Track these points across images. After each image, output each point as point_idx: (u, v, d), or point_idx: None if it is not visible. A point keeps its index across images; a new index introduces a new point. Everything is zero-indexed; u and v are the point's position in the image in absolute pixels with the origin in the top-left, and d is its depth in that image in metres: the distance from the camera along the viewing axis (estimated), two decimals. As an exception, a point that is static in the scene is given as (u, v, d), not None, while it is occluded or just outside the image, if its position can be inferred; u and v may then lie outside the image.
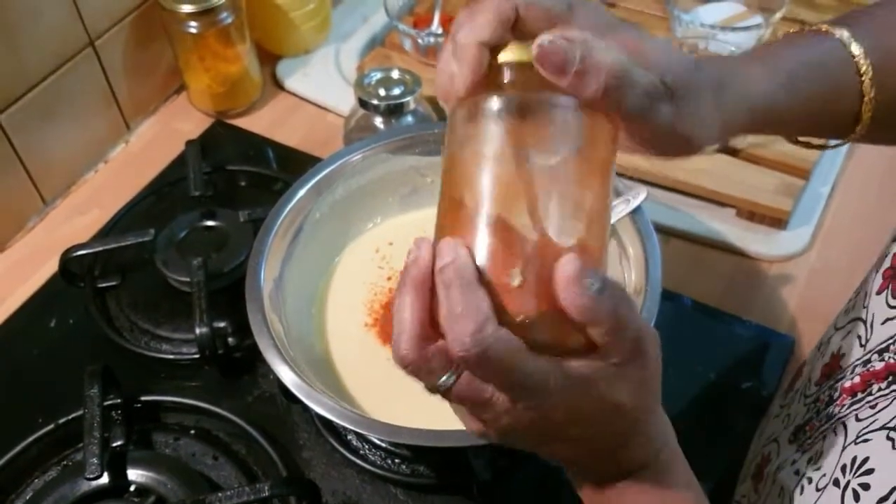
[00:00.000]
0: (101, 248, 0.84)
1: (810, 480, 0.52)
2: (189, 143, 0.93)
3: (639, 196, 0.71)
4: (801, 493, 0.53)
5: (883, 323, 0.51)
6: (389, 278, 0.78)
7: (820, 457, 0.52)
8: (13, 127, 0.86)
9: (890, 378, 0.48)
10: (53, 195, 0.95)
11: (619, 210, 0.72)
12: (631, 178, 0.91)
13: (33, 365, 0.80)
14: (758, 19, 1.06)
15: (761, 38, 1.05)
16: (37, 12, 0.84)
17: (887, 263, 0.53)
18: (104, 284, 0.84)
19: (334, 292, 0.78)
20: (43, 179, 0.92)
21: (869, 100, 0.51)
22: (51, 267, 0.85)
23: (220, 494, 0.64)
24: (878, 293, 0.53)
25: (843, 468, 0.47)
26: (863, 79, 0.51)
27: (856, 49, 0.51)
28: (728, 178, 0.89)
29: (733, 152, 0.92)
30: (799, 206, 0.89)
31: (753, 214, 0.88)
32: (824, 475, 0.50)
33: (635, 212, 0.71)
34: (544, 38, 0.39)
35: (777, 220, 0.88)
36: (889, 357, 0.49)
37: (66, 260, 0.82)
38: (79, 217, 0.93)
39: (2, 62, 0.83)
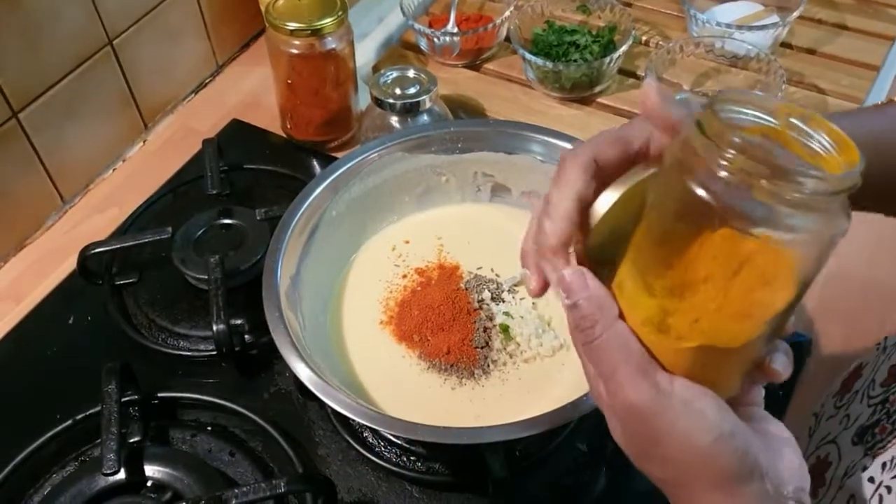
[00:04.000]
0: (118, 246, 0.84)
1: (889, 490, 0.50)
2: (206, 141, 0.93)
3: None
4: (881, 503, 0.51)
5: None
6: (405, 276, 0.78)
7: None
8: (33, 125, 0.87)
9: None
10: (72, 193, 0.95)
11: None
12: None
13: (52, 361, 0.80)
14: (774, 18, 1.06)
15: (778, 38, 1.05)
16: (56, 12, 0.85)
17: None
18: (122, 282, 0.85)
19: (350, 290, 0.78)
20: (62, 178, 0.93)
21: None
22: (69, 265, 0.86)
23: (236, 490, 0.64)
24: None
25: None
26: None
27: None
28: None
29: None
30: (816, 205, 0.88)
31: (770, 214, 0.87)
32: None
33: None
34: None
35: (794, 220, 0.87)
36: None
37: (85, 257, 0.83)
38: (97, 215, 0.94)
39: (21, 61, 0.84)
